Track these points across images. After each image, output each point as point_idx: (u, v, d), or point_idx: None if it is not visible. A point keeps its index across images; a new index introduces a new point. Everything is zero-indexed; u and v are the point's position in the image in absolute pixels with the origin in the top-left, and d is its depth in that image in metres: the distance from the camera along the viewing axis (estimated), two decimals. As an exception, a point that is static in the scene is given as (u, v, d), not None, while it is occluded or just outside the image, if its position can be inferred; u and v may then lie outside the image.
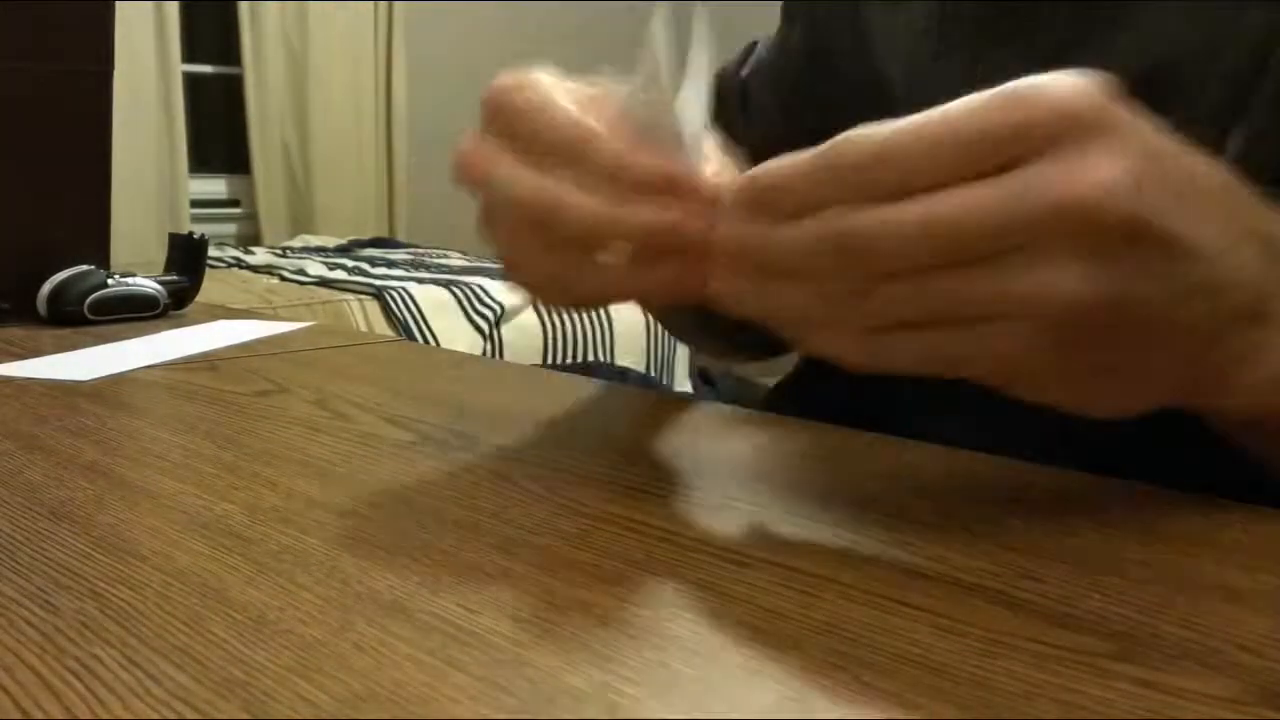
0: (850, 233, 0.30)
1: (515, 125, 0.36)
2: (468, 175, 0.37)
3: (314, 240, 3.52)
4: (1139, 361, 0.32)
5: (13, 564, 0.30)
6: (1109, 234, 0.29)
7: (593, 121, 0.35)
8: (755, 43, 0.68)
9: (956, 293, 0.30)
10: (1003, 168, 0.29)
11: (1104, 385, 0.33)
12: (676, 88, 0.35)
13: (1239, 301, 0.32)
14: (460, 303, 2.45)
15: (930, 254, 0.29)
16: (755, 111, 0.64)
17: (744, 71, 0.66)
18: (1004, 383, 0.32)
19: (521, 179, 0.35)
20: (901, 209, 0.29)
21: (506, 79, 0.37)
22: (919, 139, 0.29)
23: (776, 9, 0.65)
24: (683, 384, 2.60)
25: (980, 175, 0.29)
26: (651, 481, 0.38)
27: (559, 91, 0.36)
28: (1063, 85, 0.29)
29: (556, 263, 0.36)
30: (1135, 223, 0.29)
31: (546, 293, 0.39)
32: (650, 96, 0.35)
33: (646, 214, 0.34)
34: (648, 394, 0.57)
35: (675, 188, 0.34)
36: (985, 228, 0.29)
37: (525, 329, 2.48)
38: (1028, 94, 0.29)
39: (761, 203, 0.32)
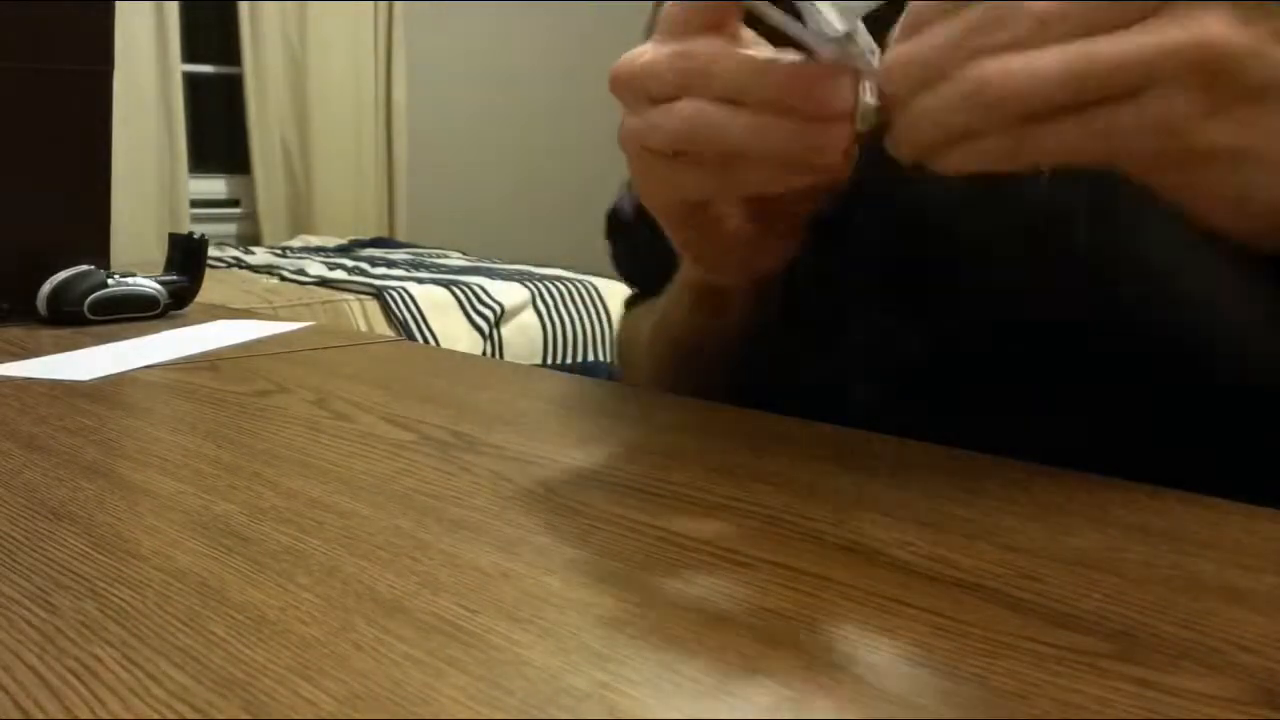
0: (989, 74, 0.31)
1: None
2: (626, 66, 0.39)
3: (314, 240, 3.52)
4: (1269, 145, 0.33)
5: (13, 564, 0.30)
6: (1237, 87, 0.31)
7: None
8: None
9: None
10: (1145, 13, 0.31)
11: (1235, 172, 0.34)
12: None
13: None
14: (460, 303, 2.46)
15: (1070, 92, 0.31)
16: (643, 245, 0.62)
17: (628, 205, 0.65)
18: (1149, 167, 0.34)
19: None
20: (1042, 53, 0.31)
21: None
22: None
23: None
24: (683, 384, 2.59)
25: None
26: (651, 481, 0.38)
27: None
28: None
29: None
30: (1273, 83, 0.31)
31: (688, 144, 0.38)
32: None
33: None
34: (647, 394, 0.57)
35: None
36: (1128, 64, 0.30)
37: (525, 329, 2.49)
38: None
39: (915, 26, 0.33)
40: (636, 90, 0.39)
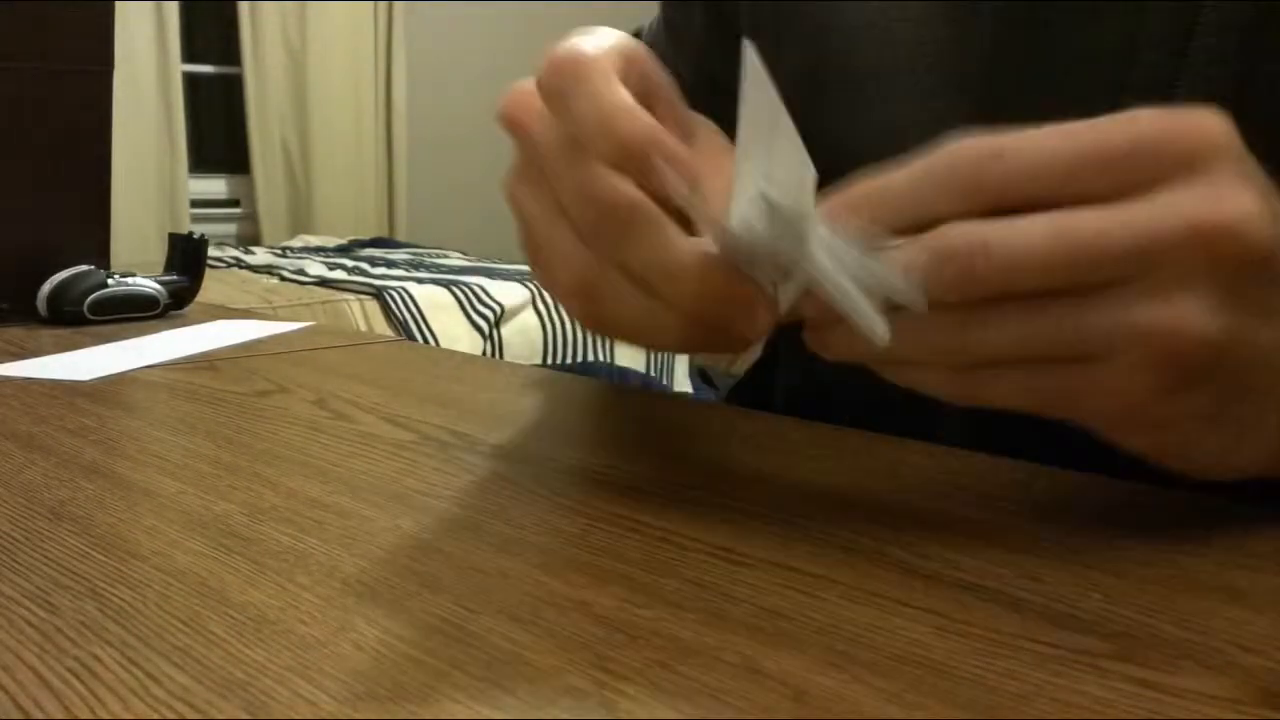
0: (966, 240, 0.27)
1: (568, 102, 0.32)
2: (513, 120, 0.34)
3: (314, 240, 3.52)
4: (1241, 410, 0.30)
5: (13, 564, 0.30)
6: (1246, 262, 0.27)
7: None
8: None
9: (1072, 323, 0.27)
10: (1133, 189, 0.27)
11: (1205, 437, 0.31)
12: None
13: None
14: (460, 303, 2.46)
15: (1054, 270, 0.27)
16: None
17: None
18: (1107, 426, 0.30)
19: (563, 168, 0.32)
20: (1028, 220, 0.27)
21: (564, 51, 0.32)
22: (1035, 150, 0.27)
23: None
24: (683, 384, 2.60)
25: (1107, 197, 0.27)
26: (651, 481, 0.38)
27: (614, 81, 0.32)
28: (1197, 112, 0.28)
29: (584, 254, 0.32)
30: (1270, 252, 0.28)
31: (570, 289, 0.34)
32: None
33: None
34: (647, 394, 0.57)
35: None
36: (1120, 246, 0.27)
37: (525, 329, 2.49)
38: (1164, 116, 0.27)
39: (855, 219, 0.29)
40: (525, 147, 0.34)
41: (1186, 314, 0.27)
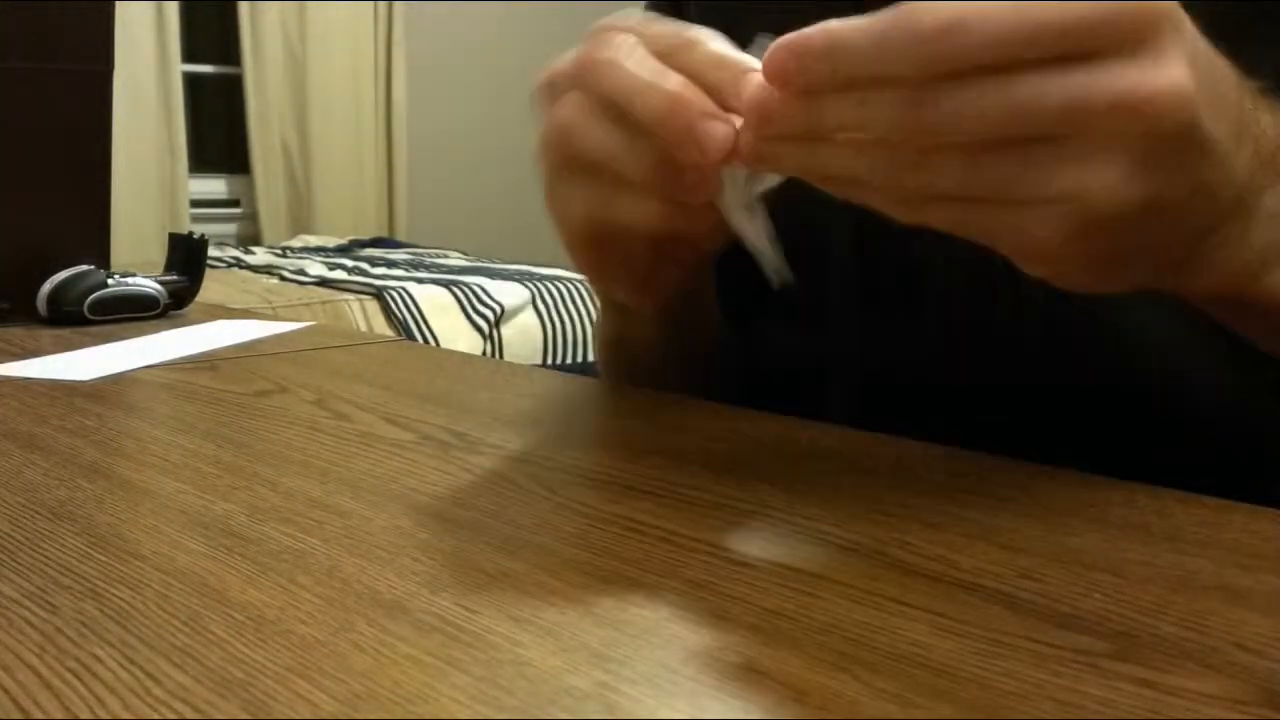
0: (919, 101, 0.29)
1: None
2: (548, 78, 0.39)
3: (314, 240, 3.52)
4: (1146, 249, 0.34)
5: (13, 564, 0.30)
6: (1167, 135, 0.30)
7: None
8: None
9: (1006, 176, 0.30)
10: (1079, 59, 0.29)
11: (1108, 270, 0.34)
12: None
13: (1232, 196, 0.34)
14: (460, 303, 2.46)
15: (992, 124, 0.29)
16: None
17: None
18: (1025, 262, 0.33)
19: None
20: (975, 87, 0.29)
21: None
22: (998, 15, 0.29)
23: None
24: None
25: (1053, 65, 0.29)
26: (651, 481, 0.38)
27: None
28: None
29: (605, 133, 0.37)
30: (1191, 126, 0.30)
31: (581, 212, 0.40)
32: None
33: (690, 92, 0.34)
34: (647, 394, 0.57)
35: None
36: (1054, 106, 0.29)
37: (525, 329, 2.49)
38: None
39: (810, 70, 0.31)
40: (545, 94, 0.39)
41: (1103, 178, 0.30)
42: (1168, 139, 0.30)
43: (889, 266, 0.53)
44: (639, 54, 0.36)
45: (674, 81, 0.35)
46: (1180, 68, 0.30)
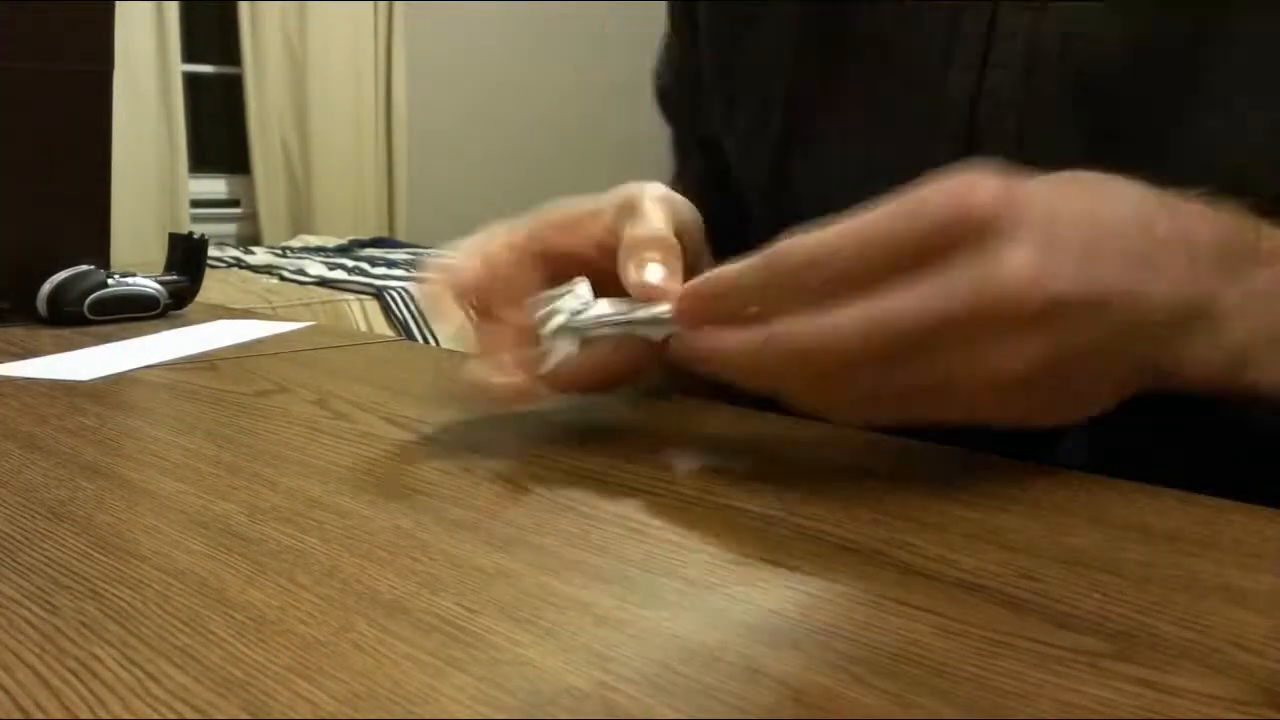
0: (800, 336, 0.33)
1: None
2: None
3: (314, 240, 3.52)
4: (1086, 386, 0.35)
5: (13, 564, 0.30)
6: (1032, 317, 0.32)
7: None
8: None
9: (905, 382, 0.33)
10: (927, 261, 0.31)
11: (1061, 407, 0.36)
12: None
13: (1167, 318, 0.34)
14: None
15: (872, 353, 0.32)
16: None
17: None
18: (972, 423, 0.35)
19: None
20: (838, 314, 0.32)
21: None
22: (842, 247, 0.32)
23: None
24: (683, 384, 2.59)
25: (906, 270, 0.32)
26: (651, 481, 0.38)
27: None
28: (963, 186, 0.32)
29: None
30: (1053, 301, 0.32)
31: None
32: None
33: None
34: (647, 394, 0.57)
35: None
36: (920, 327, 0.32)
37: (525, 329, 2.48)
38: (932, 200, 0.32)
39: (710, 309, 0.36)
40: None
41: (993, 363, 0.32)
42: (1035, 317, 0.32)
43: None
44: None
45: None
46: (1021, 254, 0.31)
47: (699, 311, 0.36)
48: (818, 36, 0.54)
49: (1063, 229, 0.33)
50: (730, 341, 0.35)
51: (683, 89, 0.64)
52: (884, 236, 0.32)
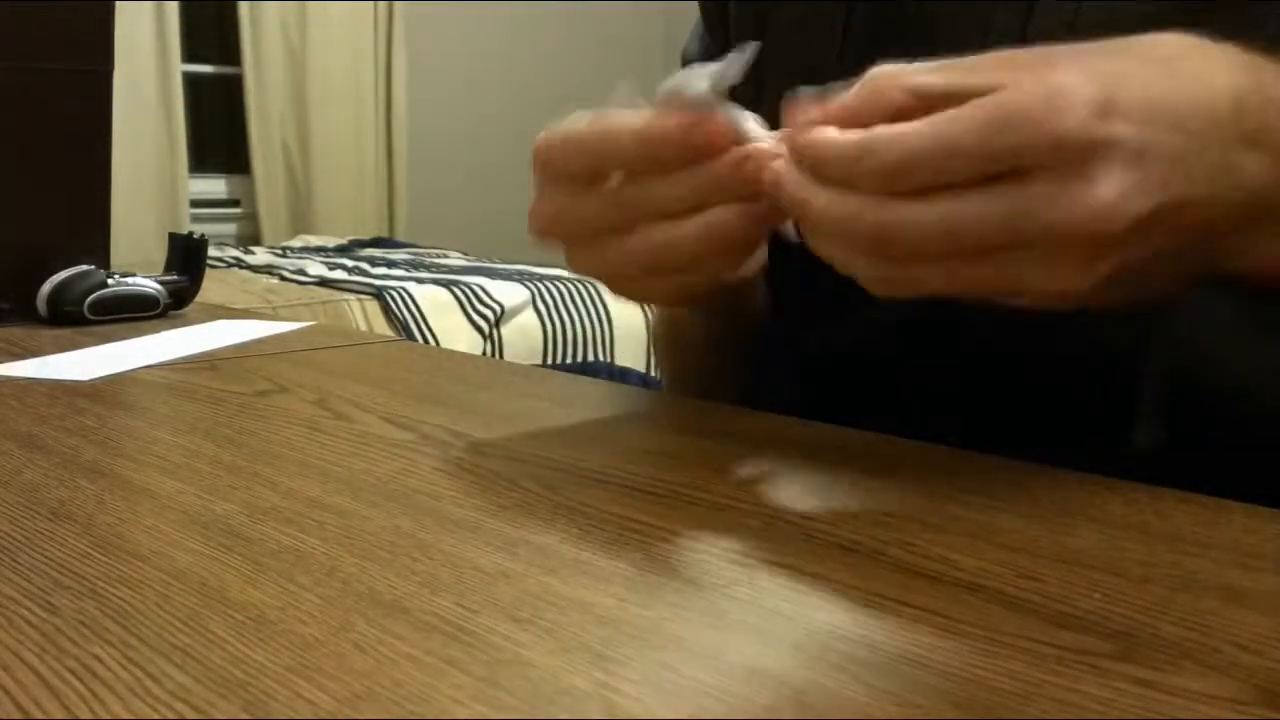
0: (881, 225, 0.33)
1: (561, 165, 0.41)
2: (545, 231, 0.42)
3: (314, 240, 3.52)
4: (1150, 282, 0.35)
5: (13, 564, 0.30)
6: (1113, 244, 0.32)
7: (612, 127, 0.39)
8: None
9: (973, 277, 0.33)
10: (1013, 173, 0.32)
11: (1118, 296, 0.35)
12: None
13: (1242, 218, 0.34)
14: (460, 303, 2.45)
15: (948, 251, 0.33)
16: None
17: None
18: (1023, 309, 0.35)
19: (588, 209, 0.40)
20: (924, 209, 0.33)
21: (543, 135, 0.41)
22: (932, 154, 0.32)
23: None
24: (683, 384, 2.59)
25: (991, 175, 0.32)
26: (651, 481, 0.38)
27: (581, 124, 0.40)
28: (1056, 102, 0.31)
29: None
30: (1132, 226, 0.32)
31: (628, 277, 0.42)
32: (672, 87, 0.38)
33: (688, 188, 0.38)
34: (647, 394, 0.57)
35: (709, 138, 0.38)
36: (1000, 237, 0.32)
37: (525, 329, 2.48)
38: (1025, 117, 0.31)
39: (806, 161, 0.36)
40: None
41: (1060, 279, 0.33)
42: (1115, 243, 0.32)
43: None
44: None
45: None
46: (1106, 184, 0.31)
47: (799, 159, 0.36)
48: (862, 35, 0.54)
49: (1153, 145, 0.32)
50: (821, 202, 0.35)
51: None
52: (974, 149, 0.32)
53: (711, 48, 0.65)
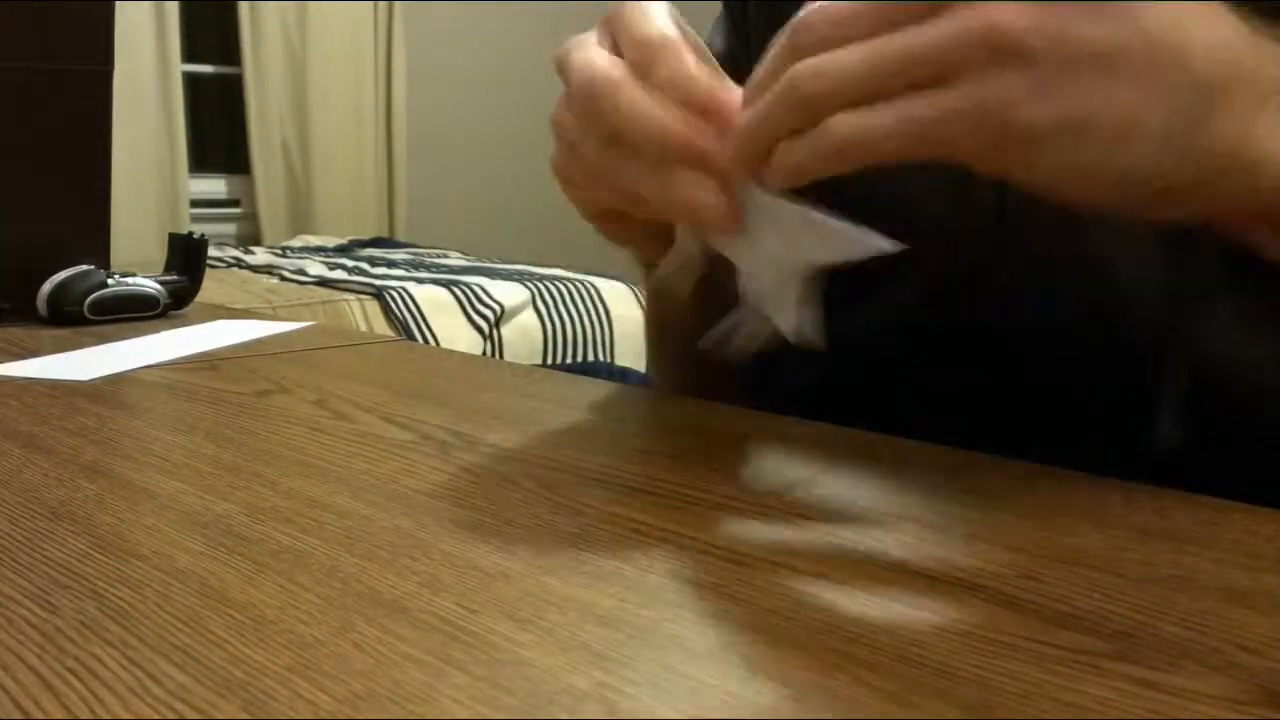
0: (798, 72, 0.33)
1: (612, 25, 0.41)
2: (562, 64, 0.42)
3: (314, 240, 3.52)
4: (1128, 161, 0.33)
5: (13, 564, 0.30)
6: (1033, 50, 0.31)
7: (674, 34, 0.38)
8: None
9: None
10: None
11: (1075, 151, 0.33)
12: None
13: (1208, 77, 0.33)
14: (460, 303, 2.45)
15: (875, 80, 0.33)
16: None
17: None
18: (982, 153, 0.34)
19: (597, 58, 0.40)
20: (844, 50, 0.33)
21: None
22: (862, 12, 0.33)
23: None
24: (683, 384, 2.59)
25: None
26: (651, 481, 0.38)
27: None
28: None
29: (603, 156, 0.39)
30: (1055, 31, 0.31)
31: (587, 191, 0.42)
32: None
33: (683, 129, 0.37)
34: (647, 394, 0.57)
35: (717, 114, 0.37)
36: (918, 50, 0.32)
37: (525, 329, 2.48)
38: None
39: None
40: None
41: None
42: (1037, 52, 0.31)
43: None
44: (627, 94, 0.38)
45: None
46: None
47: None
48: None
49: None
50: (755, 112, 0.35)
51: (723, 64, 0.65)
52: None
53: (733, 44, 0.66)
